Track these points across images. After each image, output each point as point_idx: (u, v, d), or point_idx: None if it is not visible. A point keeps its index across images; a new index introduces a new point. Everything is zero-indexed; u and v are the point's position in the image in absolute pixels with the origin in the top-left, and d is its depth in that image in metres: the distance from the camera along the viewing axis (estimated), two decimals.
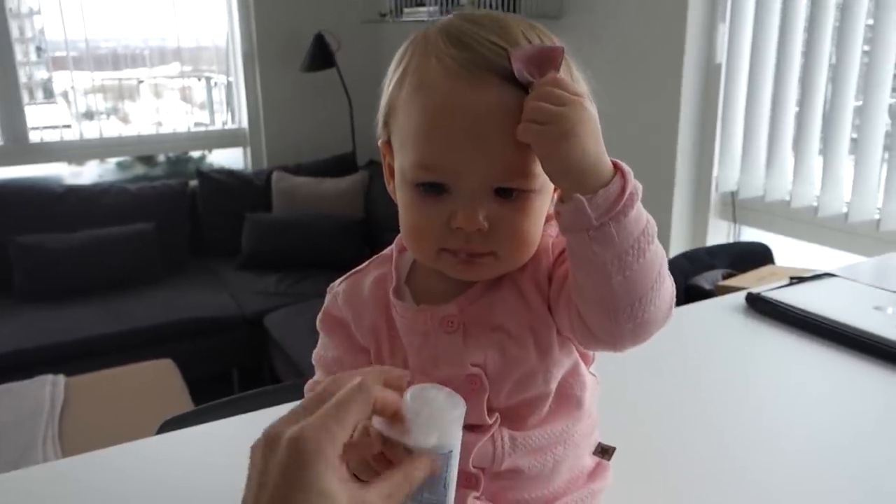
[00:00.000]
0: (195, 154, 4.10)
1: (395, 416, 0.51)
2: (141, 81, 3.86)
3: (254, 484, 0.47)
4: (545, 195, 0.58)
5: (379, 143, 0.63)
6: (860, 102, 2.04)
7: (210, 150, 4.09)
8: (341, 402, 0.48)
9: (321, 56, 3.57)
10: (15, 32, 3.47)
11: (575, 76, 0.59)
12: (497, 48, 0.54)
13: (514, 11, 2.60)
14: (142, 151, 3.92)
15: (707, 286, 1.71)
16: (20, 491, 0.85)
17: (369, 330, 0.65)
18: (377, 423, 0.52)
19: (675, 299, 0.57)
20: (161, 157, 4.07)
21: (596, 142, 0.52)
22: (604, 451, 0.67)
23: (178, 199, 3.56)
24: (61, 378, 2.28)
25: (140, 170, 4.02)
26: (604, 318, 0.55)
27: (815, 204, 2.19)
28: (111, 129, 3.77)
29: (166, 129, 3.86)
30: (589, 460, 0.67)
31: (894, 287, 1.34)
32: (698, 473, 0.85)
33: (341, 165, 3.81)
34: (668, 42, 2.39)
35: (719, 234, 2.56)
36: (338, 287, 0.68)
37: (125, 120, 3.86)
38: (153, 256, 3.35)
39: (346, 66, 3.64)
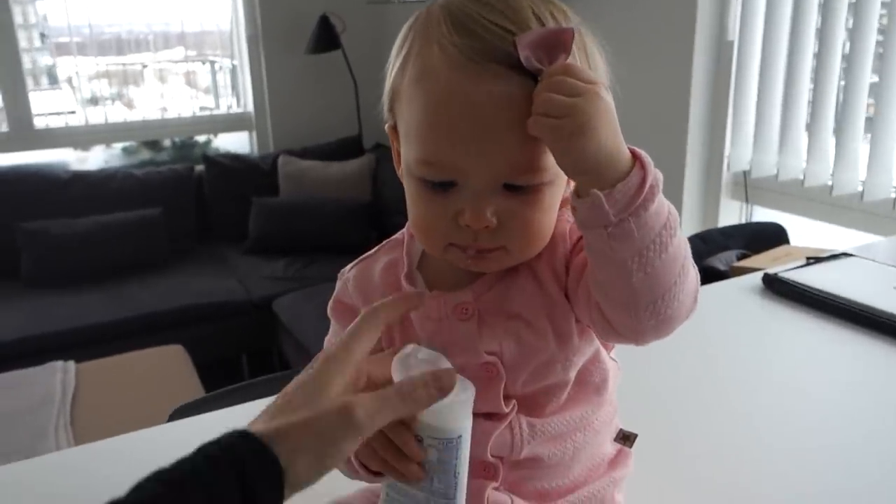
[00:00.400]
0: (201, 139, 4.09)
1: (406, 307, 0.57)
2: (145, 66, 3.84)
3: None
4: (558, 185, 0.55)
5: (386, 127, 0.60)
6: (876, 79, 2.01)
7: (216, 135, 4.07)
8: (351, 330, 0.54)
9: (326, 38, 3.54)
10: (18, 18, 3.45)
11: (591, 53, 0.55)
12: (503, 32, 0.50)
13: None
14: (147, 136, 3.91)
15: (722, 267, 1.69)
16: (35, 480, 0.85)
17: None
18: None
19: (699, 291, 0.55)
20: (167, 143, 4.06)
21: (613, 133, 0.49)
22: (625, 438, 0.66)
23: (185, 184, 3.54)
24: (72, 364, 2.28)
25: (146, 155, 4.01)
26: (625, 315, 0.53)
27: (829, 183, 2.16)
28: (116, 114, 3.75)
29: (171, 114, 3.85)
30: (610, 448, 0.66)
31: None
32: (719, 457, 0.83)
33: (348, 148, 3.79)
34: (678, 18, 2.34)
35: (731, 214, 2.53)
36: (348, 273, 0.66)
37: (130, 105, 3.84)
38: (160, 242, 3.34)
39: (351, 47, 3.61)
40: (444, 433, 0.52)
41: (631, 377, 0.66)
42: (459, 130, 0.51)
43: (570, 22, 0.54)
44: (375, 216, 3.48)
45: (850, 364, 1.06)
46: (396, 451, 0.53)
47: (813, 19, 2.14)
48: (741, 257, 1.78)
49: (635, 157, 0.50)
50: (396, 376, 0.53)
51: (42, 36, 3.71)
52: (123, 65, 3.78)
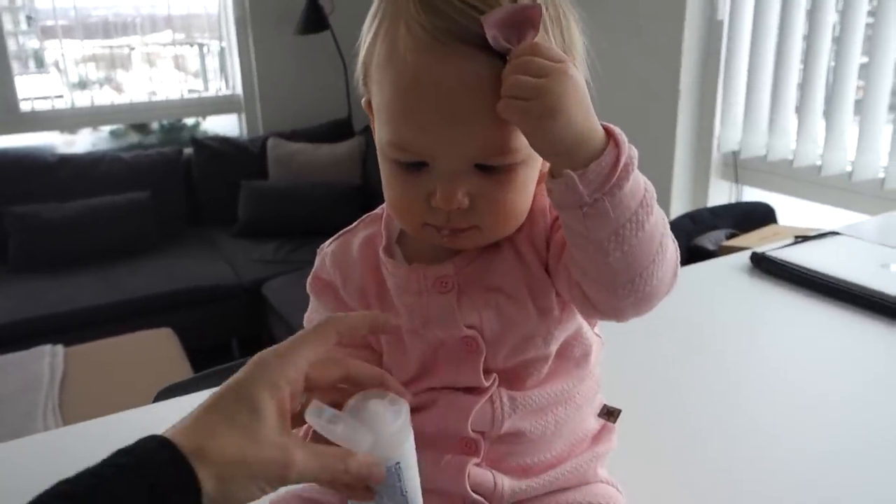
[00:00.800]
0: (189, 122, 4.05)
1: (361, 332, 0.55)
2: (132, 49, 3.80)
3: None
4: (532, 164, 0.55)
5: (362, 102, 0.59)
6: (866, 59, 2.00)
7: (204, 117, 4.04)
8: (303, 334, 0.51)
9: (315, 19, 3.51)
10: (3, 1, 3.40)
11: (566, 26, 0.54)
12: (471, 10, 0.48)
13: None
14: (135, 119, 3.87)
15: (710, 246, 1.70)
16: (21, 459, 0.85)
17: (357, 291, 0.62)
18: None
19: (679, 266, 0.55)
20: (154, 126, 4.02)
21: (585, 111, 0.48)
22: (609, 414, 0.66)
23: (173, 167, 3.52)
24: (60, 348, 2.27)
25: (133, 138, 3.98)
26: (603, 293, 0.53)
27: (818, 163, 2.16)
28: (104, 98, 3.71)
29: (159, 98, 3.81)
30: (593, 423, 0.65)
31: None
32: (704, 435, 0.84)
33: (337, 131, 3.76)
34: None
35: (720, 194, 2.53)
36: (327, 248, 0.66)
37: (118, 89, 3.80)
38: (149, 225, 3.32)
39: (340, 28, 3.58)
40: (382, 462, 0.50)
41: (618, 354, 0.66)
42: (427, 114, 0.50)
43: None
44: (366, 199, 3.46)
45: (838, 341, 1.07)
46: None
47: (803, 0, 2.14)
48: (730, 236, 1.78)
49: (609, 134, 0.49)
50: (338, 429, 0.50)
51: (28, 19, 3.66)
52: (111, 48, 3.73)
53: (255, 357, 0.50)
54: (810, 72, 2.13)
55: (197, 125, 4.07)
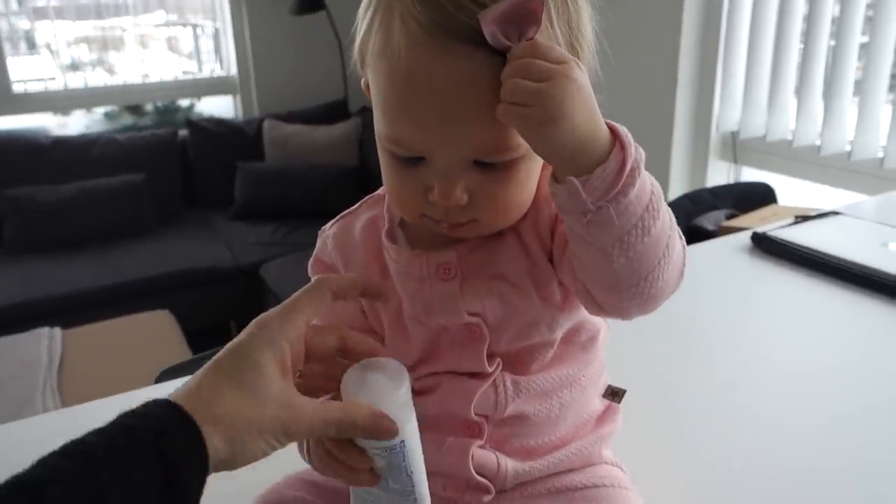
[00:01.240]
0: (184, 103, 4.02)
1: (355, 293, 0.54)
2: (125, 31, 3.76)
3: None
4: (534, 157, 0.52)
5: (362, 83, 0.57)
6: (866, 38, 1.99)
7: (199, 98, 4.01)
8: (298, 294, 0.52)
9: None
10: None
11: (574, 12, 0.51)
12: (470, 3, 0.45)
13: None
14: (128, 101, 3.84)
15: (710, 227, 1.69)
16: (22, 440, 0.85)
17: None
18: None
19: (685, 263, 0.54)
20: (149, 107, 3.99)
21: (588, 114, 0.46)
22: (614, 394, 0.65)
23: (168, 149, 3.49)
24: (58, 331, 2.27)
25: (128, 120, 3.95)
26: (608, 295, 0.52)
27: (817, 143, 2.15)
28: (97, 80, 3.68)
29: (153, 79, 3.78)
30: (598, 404, 0.65)
31: None
32: (707, 414, 0.84)
33: (334, 112, 3.74)
34: None
35: (719, 174, 2.52)
36: (328, 230, 0.64)
37: (111, 71, 3.77)
38: (145, 207, 3.31)
39: (336, 8, 3.54)
40: (385, 443, 0.50)
41: (620, 335, 0.66)
42: (422, 112, 0.49)
43: None
44: (363, 180, 3.45)
45: (839, 320, 1.06)
46: (342, 462, 0.51)
47: None
48: (729, 217, 1.78)
49: (615, 135, 0.47)
50: (348, 389, 0.50)
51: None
52: (103, 29, 3.69)
53: (254, 320, 0.50)
54: (810, 52, 2.11)
55: (191, 107, 4.04)
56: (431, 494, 0.54)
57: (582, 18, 0.52)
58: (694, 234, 1.72)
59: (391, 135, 0.51)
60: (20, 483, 0.39)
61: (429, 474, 0.53)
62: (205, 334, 2.58)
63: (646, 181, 0.48)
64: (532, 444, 0.61)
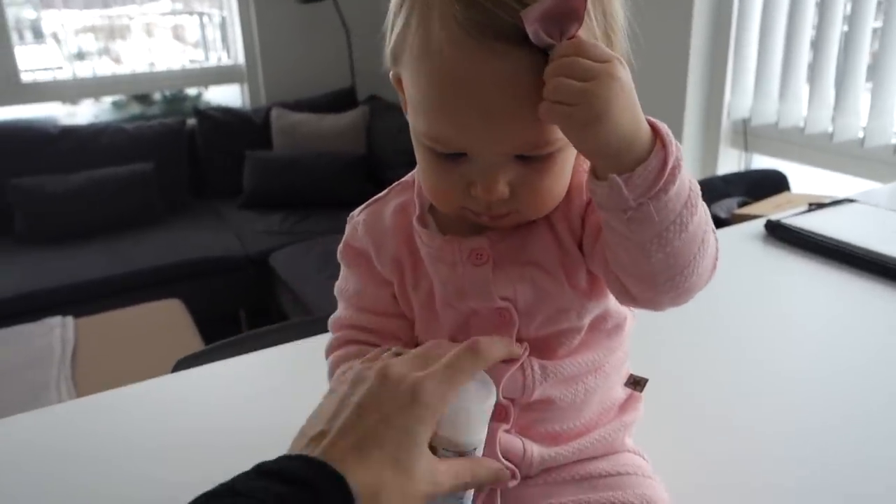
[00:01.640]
0: (191, 92, 4.02)
1: None
2: (131, 19, 3.75)
3: (353, 406, 0.49)
4: (571, 147, 0.53)
5: (390, 75, 0.56)
6: (879, 23, 1.97)
7: (207, 87, 4.00)
8: (455, 363, 0.50)
9: None
10: None
11: (608, 4, 0.51)
12: (510, 1, 0.45)
13: None
14: (136, 90, 3.84)
15: (723, 214, 1.69)
16: (37, 430, 0.85)
17: (391, 260, 0.62)
18: None
19: (717, 258, 0.54)
20: (157, 96, 3.99)
21: (632, 114, 0.46)
22: (636, 383, 0.65)
23: (177, 138, 3.50)
24: (70, 320, 2.28)
25: (136, 109, 3.95)
26: (642, 289, 0.52)
27: (830, 130, 2.14)
28: (104, 70, 3.68)
29: (161, 68, 3.77)
30: (621, 392, 0.65)
31: None
32: (726, 402, 0.84)
33: (341, 100, 3.73)
34: None
35: (730, 162, 2.51)
36: (358, 216, 0.65)
37: (117, 60, 3.77)
38: (153, 197, 3.31)
39: None
40: (462, 447, 0.51)
41: (638, 325, 0.66)
42: (465, 112, 0.49)
43: None
44: (371, 169, 3.45)
45: (855, 308, 1.06)
46: None
47: None
48: (742, 205, 1.77)
49: (656, 133, 0.47)
50: None
51: None
52: (110, 17, 3.69)
53: (415, 383, 0.49)
54: (822, 37, 2.10)
55: (199, 96, 4.04)
56: None
57: (615, 8, 0.52)
58: None
59: (431, 133, 0.51)
60: None
61: None
62: (215, 323, 2.60)
63: (685, 178, 0.48)
64: (557, 430, 0.61)
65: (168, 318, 2.41)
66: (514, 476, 0.60)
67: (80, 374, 2.00)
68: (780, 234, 1.27)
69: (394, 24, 0.53)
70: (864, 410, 0.81)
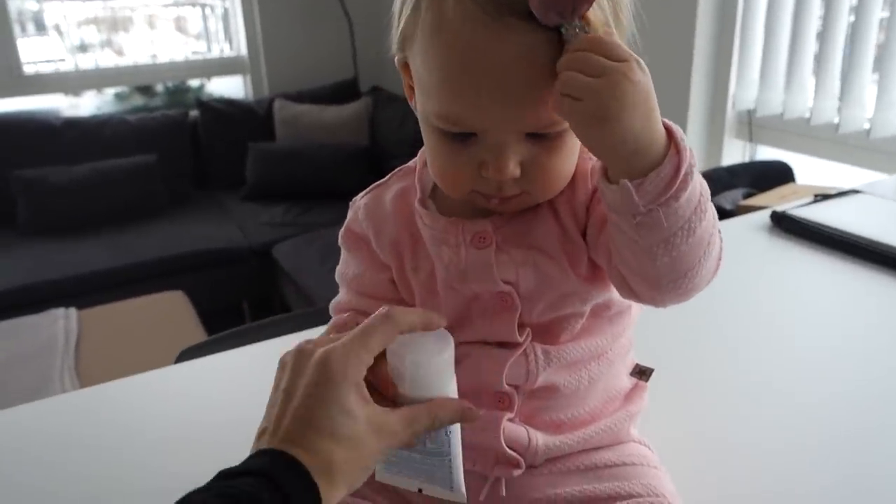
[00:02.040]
0: (194, 84, 4.01)
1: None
2: (134, 10, 3.74)
3: (281, 394, 0.49)
4: None
5: (395, 61, 0.56)
6: (886, 13, 1.96)
7: (209, 79, 3.99)
8: (366, 328, 0.50)
9: None
10: None
11: (620, 2, 0.51)
12: None
13: None
14: (139, 81, 3.83)
15: (728, 206, 1.68)
16: (44, 420, 0.85)
17: (390, 244, 0.62)
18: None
19: (721, 258, 0.54)
20: (159, 88, 3.99)
21: (644, 118, 0.45)
22: (641, 373, 0.65)
23: (179, 130, 3.49)
24: (73, 311, 2.28)
25: (138, 100, 3.94)
26: (646, 287, 0.52)
27: (836, 121, 2.13)
28: (106, 61, 3.67)
29: (163, 59, 3.76)
30: (626, 381, 0.65)
31: None
32: (731, 394, 0.83)
33: (344, 92, 3.72)
34: None
35: (734, 153, 2.50)
36: (359, 201, 0.65)
37: (120, 52, 3.76)
38: (156, 188, 3.31)
39: None
40: (426, 401, 0.51)
41: (644, 315, 0.65)
42: (477, 90, 0.48)
43: None
44: (373, 160, 3.44)
45: (860, 299, 1.06)
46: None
47: None
48: (747, 196, 1.76)
49: (669, 136, 0.47)
50: (395, 351, 0.51)
51: None
52: (112, 9, 3.68)
53: (323, 356, 0.48)
54: (828, 27, 2.08)
55: (201, 87, 4.03)
56: None
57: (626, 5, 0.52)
58: None
59: (443, 112, 0.51)
60: None
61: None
62: (218, 315, 2.59)
63: (696, 183, 0.48)
64: (561, 418, 0.61)
65: (171, 309, 2.41)
66: (517, 465, 0.60)
67: (84, 365, 2.00)
68: (785, 225, 1.26)
69: (403, 6, 0.53)
70: (870, 401, 0.81)
